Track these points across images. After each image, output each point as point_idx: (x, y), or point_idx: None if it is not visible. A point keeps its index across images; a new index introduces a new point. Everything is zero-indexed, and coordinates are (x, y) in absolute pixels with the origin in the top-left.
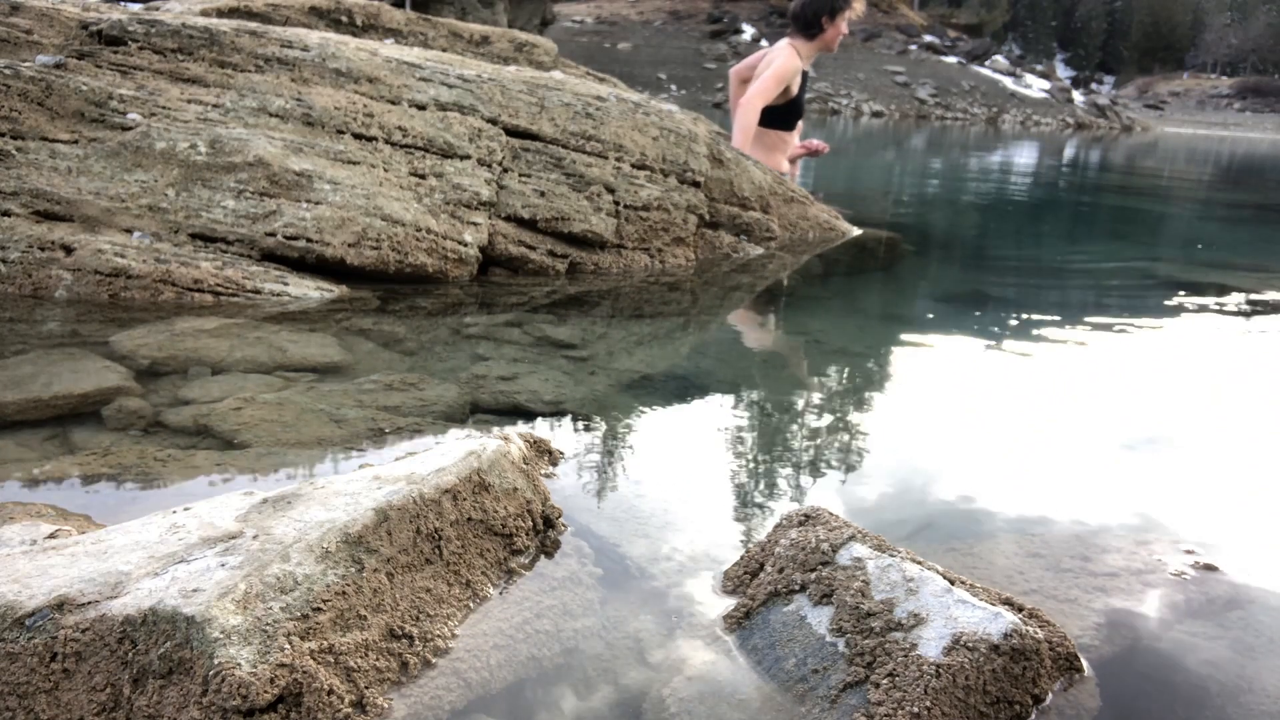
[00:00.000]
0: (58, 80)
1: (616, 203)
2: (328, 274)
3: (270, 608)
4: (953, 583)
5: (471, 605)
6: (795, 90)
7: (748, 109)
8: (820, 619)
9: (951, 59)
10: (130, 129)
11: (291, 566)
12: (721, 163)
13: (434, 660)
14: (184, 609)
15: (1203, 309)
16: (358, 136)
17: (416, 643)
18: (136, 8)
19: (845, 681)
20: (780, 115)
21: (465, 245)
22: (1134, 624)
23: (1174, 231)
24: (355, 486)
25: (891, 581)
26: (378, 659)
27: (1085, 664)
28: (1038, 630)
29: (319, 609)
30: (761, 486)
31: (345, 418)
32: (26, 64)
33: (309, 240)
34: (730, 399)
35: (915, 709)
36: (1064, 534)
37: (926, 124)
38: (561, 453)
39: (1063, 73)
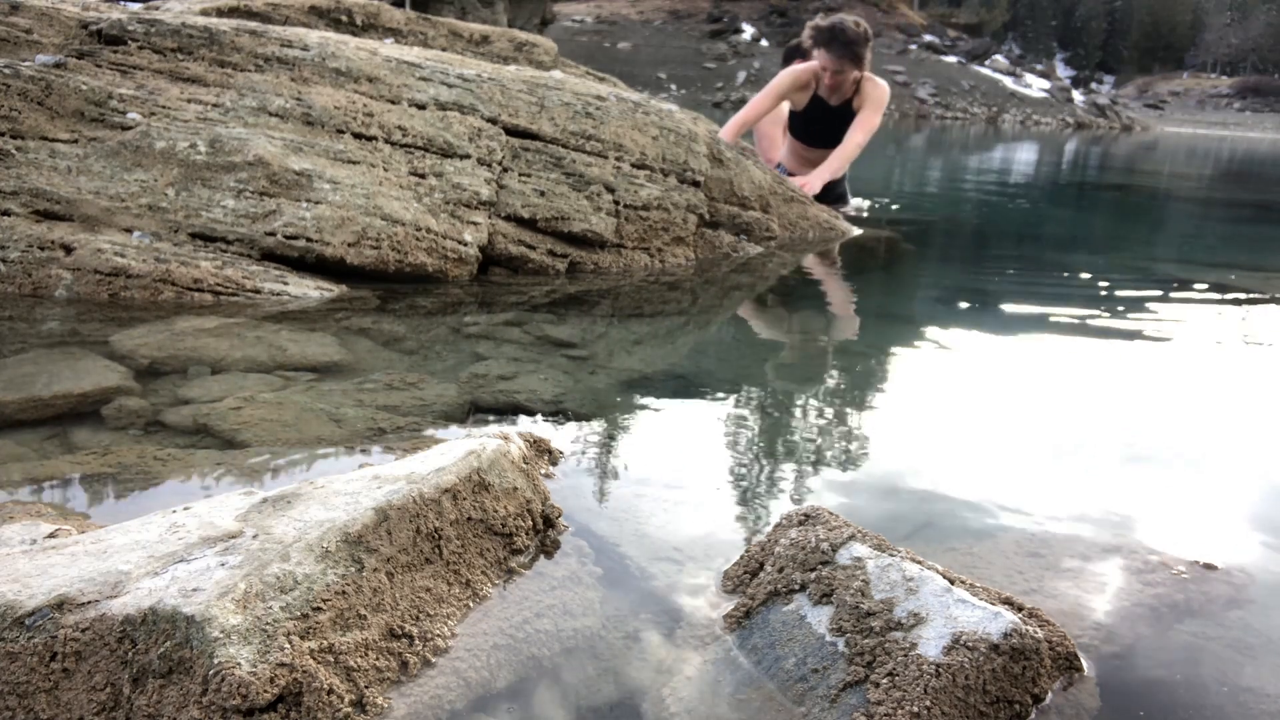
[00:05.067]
0: (57, 80)
1: (616, 202)
2: (327, 273)
3: (270, 607)
4: (952, 582)
5: (471, 605)
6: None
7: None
8: (820, 618)
9: (951, 58)
10: (130, 128)
11: (291, 566)
12: (721, 162)
13: (434, 660)
14: (184, 608)
15: (1203, 309)
16: (357, 136)
17: (416, 642)
18: (136, 7)
19: (845, 681)
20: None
21: (465, 245)
22: (1134, 624)
23: (1174, 231)
24: (355, 486)
25: (891, 581)
26: (378, 658)
27: (1085, 663)
28: (1037, 630)
29: (319, 608)
30: (761, 486)
31: (345, 417)
32: (26, 63)
33: (309, 240)
34: (730, 398)
35: (915, 708)
36: (1064, 534)
37: (926, 123)
38: (561, 452)
39: (1063, 72)
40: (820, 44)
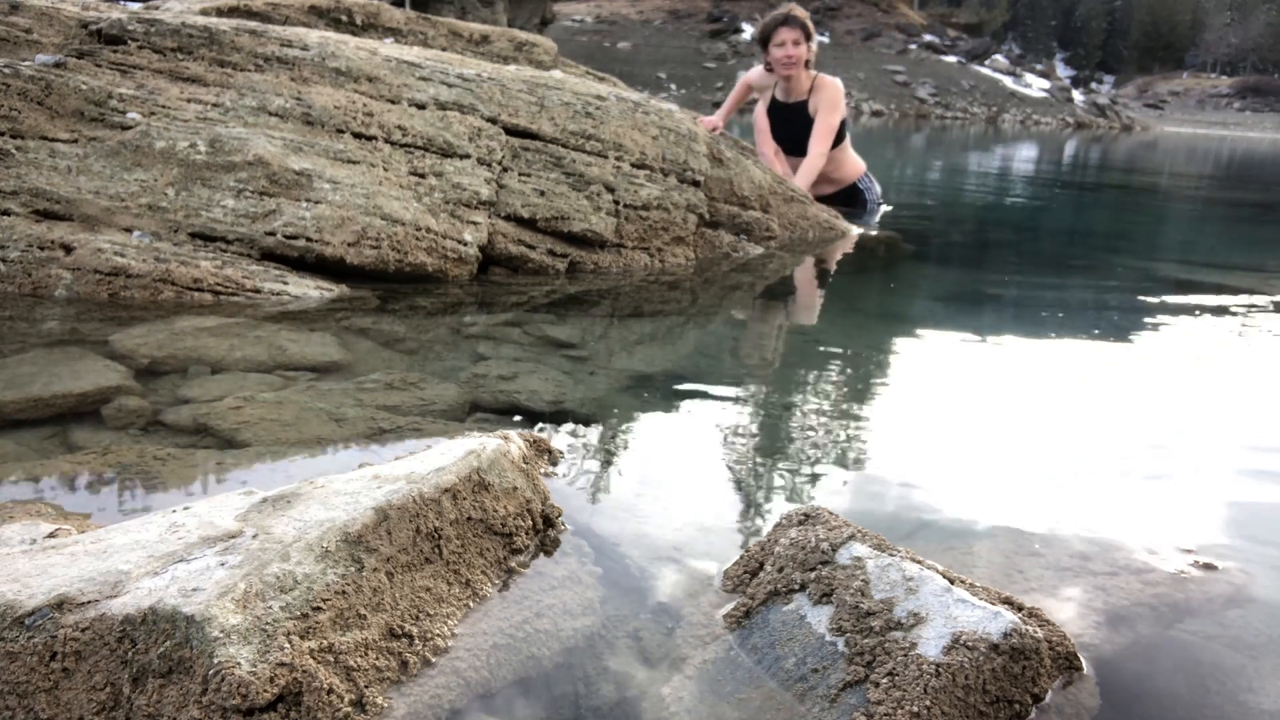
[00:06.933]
0: (57, 79)
1: (616, 202)
2: (327, 273)
3: (270, 607)
4: (952, 582)
5: (471, 604)
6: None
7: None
8: (820, 618)
9: (951, 58)
10: (130, 128)
11: (291, 566)
12: (721, 162)
13: (434, 659)
14: (184, 608)
15: (1203, 309)
16: (357, 136)
17: (416, 642)
18: (136, 7)
19: (845, 681)
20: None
21: (465, 244)
22: (1134, 624)
23: (1174, 231)
24: (355, 486)
25: (891, 581)
26: (377, 658)
27: (1085, 663)
28: (1037, 629)
29: (319, 608)
30: (761, 486)
31: (345, 417)
32: (26, 63)
33: (309, 239)
34: (730, 398)
35: (915, 708)
36: (1064, 534)
37: (926, 123)
38: (561, 452)
39: (1063, 72)
40: (770, 30)
